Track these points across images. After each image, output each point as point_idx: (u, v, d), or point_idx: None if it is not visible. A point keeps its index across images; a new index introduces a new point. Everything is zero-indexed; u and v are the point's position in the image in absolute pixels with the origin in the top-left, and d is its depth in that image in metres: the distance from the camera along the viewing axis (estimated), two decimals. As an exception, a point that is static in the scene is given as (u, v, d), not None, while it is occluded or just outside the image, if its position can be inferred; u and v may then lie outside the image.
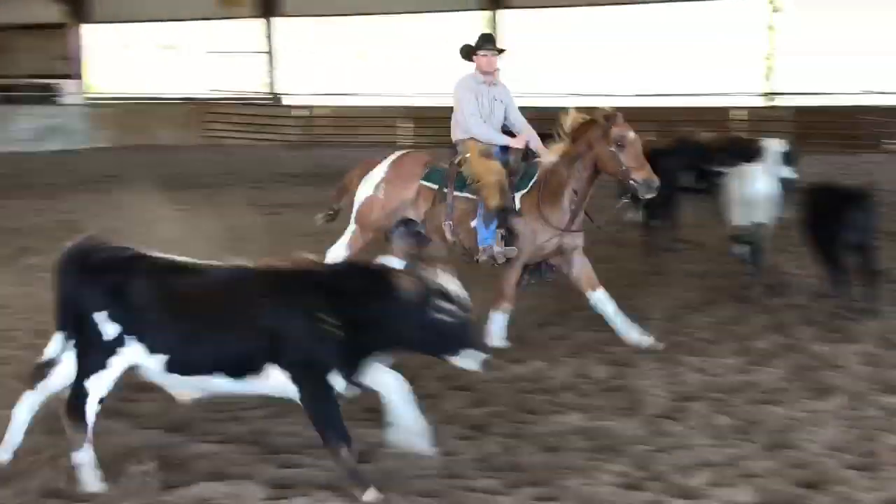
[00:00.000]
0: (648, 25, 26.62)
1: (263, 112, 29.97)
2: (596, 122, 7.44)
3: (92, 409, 4.93)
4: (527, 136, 7.88)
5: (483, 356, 4.92)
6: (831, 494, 4.87)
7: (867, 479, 5.03)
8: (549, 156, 7.63)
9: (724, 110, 23.75)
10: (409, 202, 7.87)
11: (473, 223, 7.64)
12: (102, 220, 12.39)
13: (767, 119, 22.65)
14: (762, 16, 24.41)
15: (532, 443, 5.63)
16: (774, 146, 11.31)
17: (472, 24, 27.28)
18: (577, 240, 7.69)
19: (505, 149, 7.82)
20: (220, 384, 4.99)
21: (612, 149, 7.35)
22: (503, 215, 7.51)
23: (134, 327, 4.87)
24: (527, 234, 7.56)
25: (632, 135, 7.37)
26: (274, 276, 4.99)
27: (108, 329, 4.87)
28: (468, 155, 7.70)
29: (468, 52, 7.97)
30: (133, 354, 4.90)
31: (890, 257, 9.21)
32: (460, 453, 5.48)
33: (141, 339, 4.88)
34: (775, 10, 23.86)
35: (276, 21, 31.26)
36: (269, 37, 31.50)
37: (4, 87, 30.45)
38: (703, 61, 26.02)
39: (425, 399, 6.27)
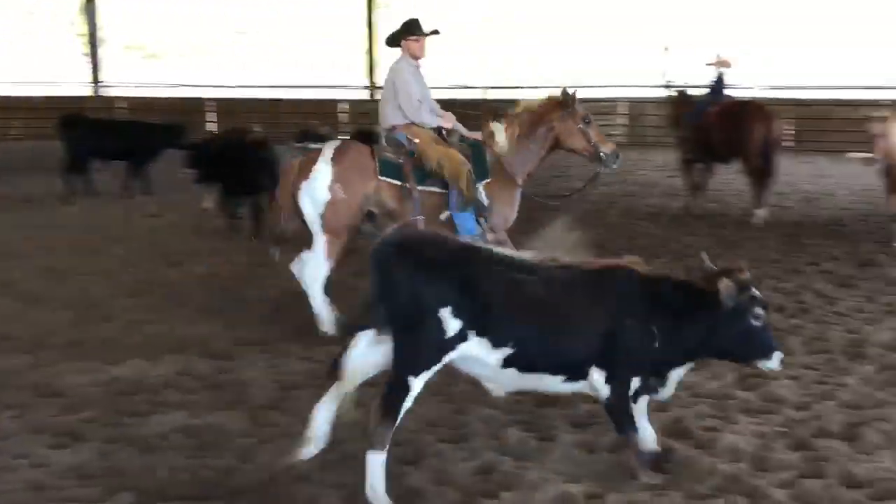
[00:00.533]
0: (248, 19, 26.64)
1: None
2: (559, 103, 7.83)
3: (406, 407, 4.64)
4: (449, 115, 7.99)
5: (781, 354, 4.98)
6: (427, 469, 5.10)
7: (460, 451, 5.31)
8: (499, 140, 7.80)
9: (332, 103, 24.35)
10: (371, 197, 7.50)
11: (442, 216, 7.53)
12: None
13: (368, 112, 23.52)
14: (362, 12, 25.15)
15: (132, 445, 5.40)
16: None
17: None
18: None
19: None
20: (549, 383, 4.93)
21: (581, 126, 7.76)
22: (476, 205, 7.54)
23: (478, 323, 4.63)
24: (500, 221, 7.74)
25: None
26: (614, 280, 4.91)
27: (452, 325, 4.58)
28: (417, 141, 7.60)
29: (395, 39, 7.91)
30: (470, 349, 4.69)
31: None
32: (52, 463, 5.14)
33: (483, 334, 4.65)
34: (375, 7, 24.66)
35: None
36: None
37: None
38: (308, 56, 26.45)
39: (11, 409, 5.87)
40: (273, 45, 27.65)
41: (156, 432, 5.56)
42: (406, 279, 4.63)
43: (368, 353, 4.82)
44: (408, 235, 5.03)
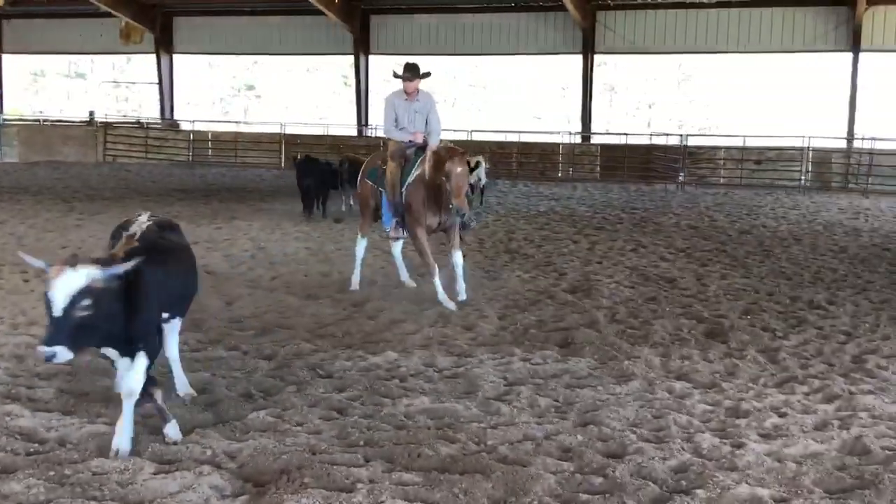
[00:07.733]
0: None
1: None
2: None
3: None
4: (422, 133, 10.25)
5: None
6: (630, 463, 5.69)
7: (659, 451, 5.91)
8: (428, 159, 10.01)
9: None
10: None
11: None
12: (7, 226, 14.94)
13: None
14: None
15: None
16: None
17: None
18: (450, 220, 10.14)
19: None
20: None
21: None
22: (396, 208, 10.10)
23: None
24: (413, 221, 10.06)
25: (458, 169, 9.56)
26: None
27: None
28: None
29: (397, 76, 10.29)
30: None
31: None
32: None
33: None
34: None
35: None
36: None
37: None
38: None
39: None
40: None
41: (404, 412, 6.57)
42: None
43: None
44: None
